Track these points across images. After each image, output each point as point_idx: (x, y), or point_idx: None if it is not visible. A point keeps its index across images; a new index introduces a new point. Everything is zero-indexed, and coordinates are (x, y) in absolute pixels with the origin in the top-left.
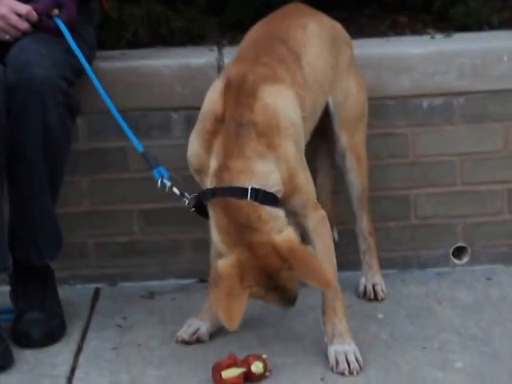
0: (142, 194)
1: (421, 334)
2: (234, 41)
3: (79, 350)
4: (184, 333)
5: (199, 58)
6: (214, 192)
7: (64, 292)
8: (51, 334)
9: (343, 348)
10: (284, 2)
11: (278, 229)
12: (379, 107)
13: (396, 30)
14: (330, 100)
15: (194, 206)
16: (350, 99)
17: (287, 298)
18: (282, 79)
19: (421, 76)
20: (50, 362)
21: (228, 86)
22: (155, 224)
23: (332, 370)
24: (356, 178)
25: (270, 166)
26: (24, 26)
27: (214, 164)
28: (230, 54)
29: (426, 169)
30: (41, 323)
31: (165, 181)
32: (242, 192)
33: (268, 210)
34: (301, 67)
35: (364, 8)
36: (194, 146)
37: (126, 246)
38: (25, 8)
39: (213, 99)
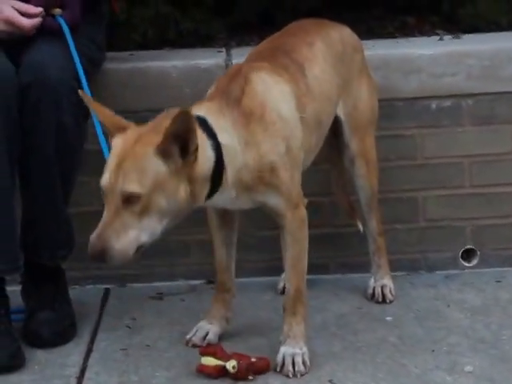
0: None
1: (430, 336)
2: (243, 42)
3: (89, 350)
4: (195, 337)
5: (207, 59)
6: None
7: (74, 292)
8: (62, 334)
9: (293, 350)
10: (292, 3)
11: None
12: (388, 109)
13: (404, 31)
14: (340, 113)
15: None
16: (361, 105)
17: None
18: (280, 74)
19: (429, 77)
20: (60, 363)
21: (223, 76)
22: None
23: (276, 370)
24: (365, 183)
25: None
26: (27, 27)
27: None
28: (238, 55)
29: (435, 171)
30: (51, 323)
31: None
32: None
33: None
34: (305, 77)
35: (372, 9)
36: None
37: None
38: (35, 9)
39: (210, 90)
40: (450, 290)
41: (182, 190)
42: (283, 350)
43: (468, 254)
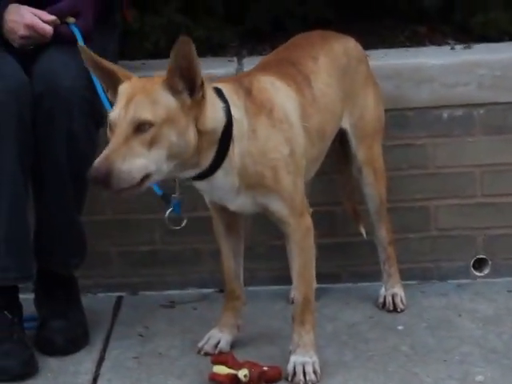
0: (164, 203)
1: (441, 346)
2: (254, 51)
3: (101, 358)
4: (207, 345)
5: (219, 68)
6: None
7: (87, 300)
8: (74, 342)
9: (303, 359)
10: (303, 13)
11: None
12: (399, 118)
13: (416, 40)
14: (346, 124)
15: None
16: (367, 116)
17: None
18: (287, 82)
19: (441, 87)
20: (73, 370)
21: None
22: (176, 234)
23: (287, 379)
24: (373, 191)
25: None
26: (50, 32)
27: None
28: (249, 64)
29: (446, 180)
30: (64, 331)
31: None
32: None
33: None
34: (311, 88)
35: (384, 19)
36: None
37: (148, 255)
38: (50, 16)
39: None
40: (462, 300)
41: (192, 132)
42: (293, 359)
43: (480, 264)
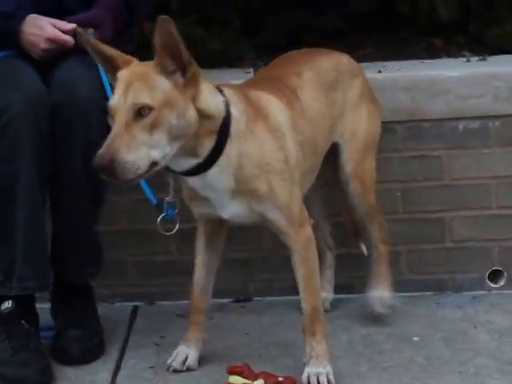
0: (180, 213)
1: (456, 357)
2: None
3: (118, 368)
4: (175, 362)
5: (236, 79)
6: None
7: (103, 310)
8: (91, 352)
9: (317, 370)
10: (319, 26)
11: None
12: (415, 130)
13: (431, 52)
14: (338, 138)
15: None
16: (360, 131)
17: None
18: (278, 96)
19: (456, 99)
20: (89, 380)
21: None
22: (192, 244)
23: None
24: (360, 201)
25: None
26: (71, 42)
27: None
28: None
29: (462, 192)
30: (80, 340)
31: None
32: None
33: None
34: (299, 100)
35: (399, 30)
36: None
37: (164, 265)
38: (70, 25)
39: None
40: (477, 311)
41: (191, 110)
42: (307, 370)
43: (495, 275)
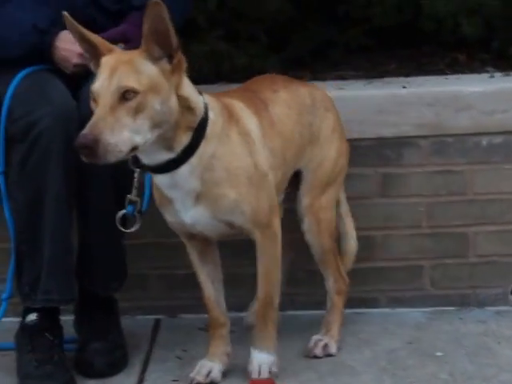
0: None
1: (481, 373)
2: (295, 77)
3: (140, 381)
4: (198, 375)
5: None
6: None
7: (125, 322)
8: (114, 365)
9: (261, 356)
10: (344, 41)
11: None
12: (438, 145)
13: (454, 68)
14: (303, 166)
15: None
16: (325, 164)
17: None
18: (248, 105)
19: (480, 114)
20: None
21: None
22: None
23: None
24: (314, 240)
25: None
26: None
27: None
28: None
29: (485, 206)
30: (104, 353)
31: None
32: None
33: None
34: (267, 111)
35: (423, 46)
36: None
37: (186, 278)
38: None
39: None
40: (501, 327)
41: (174, 98)
42: (253, 355)
43: None
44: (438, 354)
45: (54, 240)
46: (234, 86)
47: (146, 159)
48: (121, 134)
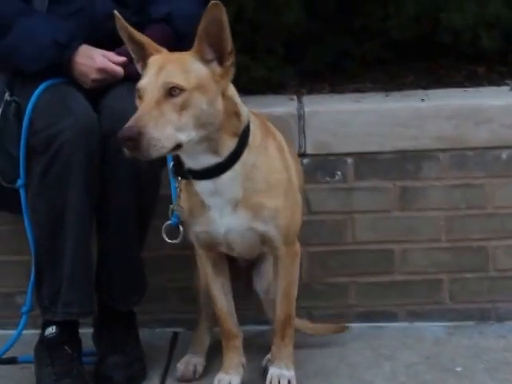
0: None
1: None
2: (313, 89)
3: None
4: None
5: (280, 106)
6: None
7: (143, 335)
8: (133, 378)
9: (280, 372)
10: (361, 53)
11: None
12: (458, 158)
13: (473, 80)
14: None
15: None
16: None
17: None
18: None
19: (500, 127)
20: None
21: None
22: None
23: None
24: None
25: None
26: (121, 73)
27: None
28: (309, 102)
29: (505, 220)
30: (123, 366)
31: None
32: None
33: None
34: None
35: (441, 59)
36: None
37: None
38: (120, 58)
39: None
40: None
41: (220, 103)
42: (271, 371)
43: None
44: (458, 369)
45: (74, 252)
46: (252, 98)
47: (191, 163)
48: (165, 129)
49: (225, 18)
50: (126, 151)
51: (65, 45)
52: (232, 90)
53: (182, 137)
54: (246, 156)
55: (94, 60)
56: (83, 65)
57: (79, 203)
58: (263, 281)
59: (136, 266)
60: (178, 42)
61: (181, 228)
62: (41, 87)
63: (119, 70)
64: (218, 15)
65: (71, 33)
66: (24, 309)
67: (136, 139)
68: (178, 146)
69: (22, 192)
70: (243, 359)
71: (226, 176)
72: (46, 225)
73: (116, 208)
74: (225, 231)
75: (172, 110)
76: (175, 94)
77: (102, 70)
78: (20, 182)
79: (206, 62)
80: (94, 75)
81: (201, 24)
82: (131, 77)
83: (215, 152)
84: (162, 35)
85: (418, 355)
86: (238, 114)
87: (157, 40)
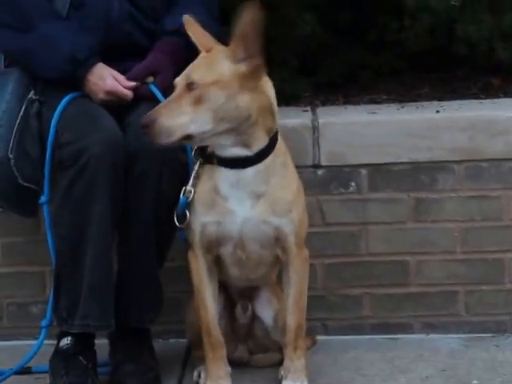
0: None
1: None
2: (327, 101)
3: None
4: None
5: (294, 118)
6: None
7: (157, 346)
8: None
9: None
10: (376, 64)
11: None
12: (474, 170)
13: (488, 92)
14: None
15: None
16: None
17: None
18: None
19: None
20: None
21: None
22: None
23: None
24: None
25: None
26: (130, 97)
27: None
28: (323, 114)
29: None
30: (137, 375)
31: None
32: None
33: None
34: None
35: (456, 70)
36: None
37: None
38: (130, 83)
39: None
40: None
41: (246, 100)
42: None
43: None
44: (474, 382)
45: (95, 265)
46: None
47: (221, 152)
48: (177, 119)
49: (260, 21)
50: (145, 137)
51: (82, 62)
52: (267, 87)
53: (193, 128)
54: (273, 155)
55: (104, 82)
56: (94, 84)
57: (103, 218)
58: (269, 308)
59: (153, 284)
60: (189, 53)
61: (187, 212)
62: (65, 99)
63: (128, 93)
64: (254, 17)
65: (90, 49)
66: (44, 323)
67: (149, 128)
68: (188, 137)
69: (45, 209)
70: (229, 369)
71: (252, 169)
72: (68, 237)
73: (137, 228)
74: (241, 224)
75: (188, 103)
76: (192, 88)
77: (110, 93)
78: (43, 198)
79: (236, 60)
80: (102, 96)
81: (238, 23)
82: (142, 98)
83: (246, 145)
84: (171, 48)
85: (433, 368)
86: (272, 113)
87: (166, 54)
